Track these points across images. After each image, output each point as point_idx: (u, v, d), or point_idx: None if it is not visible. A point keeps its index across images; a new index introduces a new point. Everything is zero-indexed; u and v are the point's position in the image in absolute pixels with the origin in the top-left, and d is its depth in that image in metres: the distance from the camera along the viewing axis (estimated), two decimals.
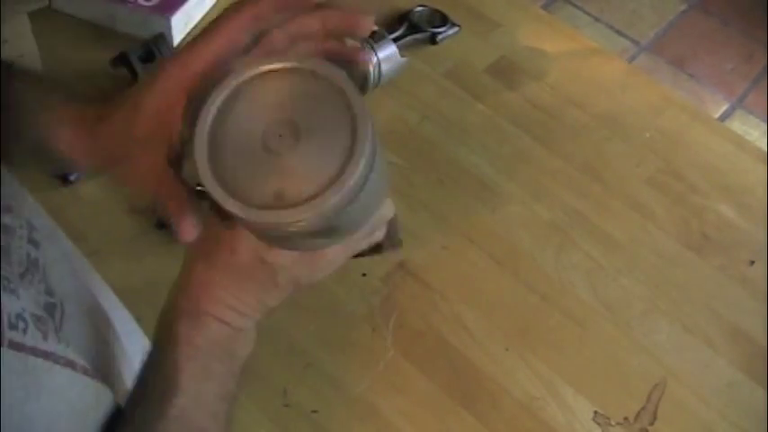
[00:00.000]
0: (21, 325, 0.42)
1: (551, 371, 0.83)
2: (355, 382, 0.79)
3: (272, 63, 0.43)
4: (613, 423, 0.80)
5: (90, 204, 0.88)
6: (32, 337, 0.43)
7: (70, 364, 0.46)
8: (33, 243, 0.54)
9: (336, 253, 0.51)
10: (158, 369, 0.49)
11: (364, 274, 0.85)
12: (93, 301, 0.62)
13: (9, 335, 0.41)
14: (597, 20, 2.28)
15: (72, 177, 0.88)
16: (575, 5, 2.30)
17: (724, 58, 2.24)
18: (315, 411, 0.77)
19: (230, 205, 0.41)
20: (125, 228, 0.87)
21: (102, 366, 0.55)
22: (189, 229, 0.48)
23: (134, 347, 0.64)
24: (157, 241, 0.86)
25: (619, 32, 2.26)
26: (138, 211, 0.88)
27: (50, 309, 0.51)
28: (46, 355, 0.44)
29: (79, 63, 0.98)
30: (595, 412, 0.80)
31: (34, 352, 0.43)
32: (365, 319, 0.83)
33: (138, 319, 0.80)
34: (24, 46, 0.94)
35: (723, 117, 2.08)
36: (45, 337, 0.44)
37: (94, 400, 0.49)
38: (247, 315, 0.50)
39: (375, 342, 0.82)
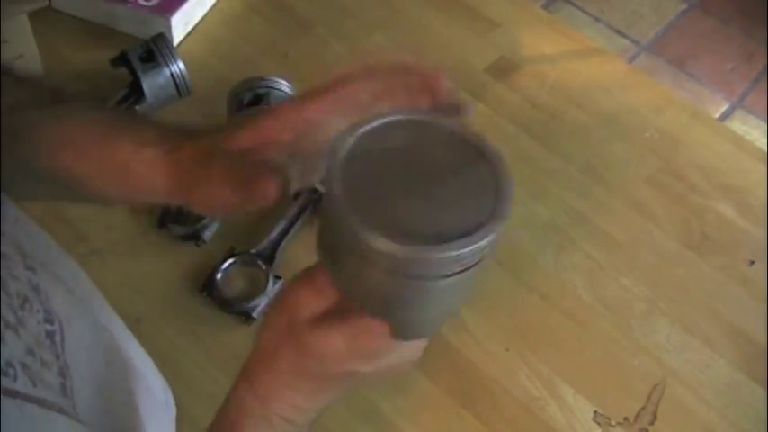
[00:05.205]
0: (11, 372, 0.41)
1: (551, 371, 0.83)
2: None
3: (391, 116, 0.42)
4: (613, 423, 0.80)
5: (90, 204, 0.88)
6: (23, 384, 0.42)
7: (63, 410, 0.45)
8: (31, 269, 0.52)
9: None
10: None
11: None
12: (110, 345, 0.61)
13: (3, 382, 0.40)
14: (597, 20, 2.28)
15: None
16: (575, 5, 2.30)
17: (724, 58, 2.24)
18: None
19: (382, 244, 0.37)
20: (125, 228, 0.87)
21: (113, 411, 0.54)
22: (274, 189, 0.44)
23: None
24: (157, 241, 0.86)
25: (619, 32, 2.26)
26: (138, 211, 0.88)
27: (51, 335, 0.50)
28: (40, 402, 0.43)
29: (79, 63, 0.98)
30: (595, 412, 0.80)
31: (27, 398, 0.42)
32: None
33: (138, 319, 0.80)
34: (24, 46, 0.94)
35: (723, 117, 2.08)
36: (34, 384, 0.43)
37: None
38: (313, 413, 0.52)
39: None
